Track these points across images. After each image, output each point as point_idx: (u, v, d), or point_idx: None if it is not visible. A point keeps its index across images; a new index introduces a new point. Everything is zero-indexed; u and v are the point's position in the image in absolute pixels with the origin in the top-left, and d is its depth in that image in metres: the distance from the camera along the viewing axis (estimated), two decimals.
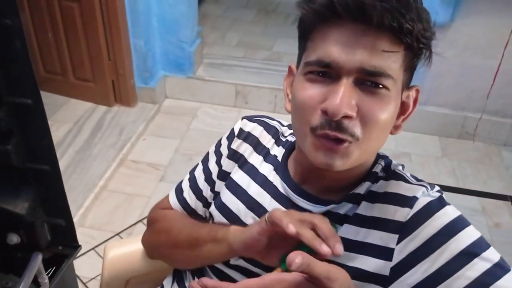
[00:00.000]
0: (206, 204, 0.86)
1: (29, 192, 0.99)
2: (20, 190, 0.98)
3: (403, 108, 0.68)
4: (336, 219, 0.70)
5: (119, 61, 2.58)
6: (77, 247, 1.11)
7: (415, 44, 0.59)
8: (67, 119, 2.60)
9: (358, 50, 0.58)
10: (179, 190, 0.91)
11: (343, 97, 0.58)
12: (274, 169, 0.79)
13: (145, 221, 2.01)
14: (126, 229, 1.99)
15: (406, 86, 0.66)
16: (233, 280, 0.76)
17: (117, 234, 1.96)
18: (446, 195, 0.69)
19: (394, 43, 0.58)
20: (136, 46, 2.60)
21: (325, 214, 0.71)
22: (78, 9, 2.42)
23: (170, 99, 2.92)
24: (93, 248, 1.88)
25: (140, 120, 2.66)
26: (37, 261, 0.96)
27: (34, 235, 1.03)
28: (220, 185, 0.84)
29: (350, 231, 0.69)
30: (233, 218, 0.79)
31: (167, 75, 2.85)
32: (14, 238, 1.00)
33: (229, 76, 2.89)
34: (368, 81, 0.59)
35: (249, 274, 0.76)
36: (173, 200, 0.90)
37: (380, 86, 0.60)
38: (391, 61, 0.59)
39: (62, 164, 2.24)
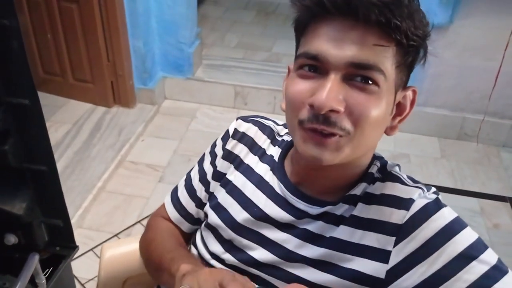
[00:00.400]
0: (200, 205, 0.87)
1: (27, 193, 0.99)
2: (17, 191, 0.98)
3: (400, 109, 0.68)
4: (333, 220, 0.70)
5: (118, 62, 2.58)
6: (74, 247, 1.11)
7: (404, 40, 0.59)
8: (66, 120, 2.60)
9: (347, 45, 0.58)
10: (174, 190, 0.92)
11: (329, 91, 0.58)
12: (270, 169, 0.79)
13: (143, 222, 2.01)
14: (125, 230, 1.99)
15: (402, 86, 0.65)
16: None
17: (116, 235, 1.96)
18: (445, 196, 0.69)
19: (383, 38, 0.59)
20: (135, 47, 2.60)
21: (322, 215, 0.71)
22: (77, 10, 2.42)
23: (169, 100, 2.92)
24: (91, 249, 1.88)
25: (139, 121, 2.66)
26: (34, 261, 0.96)
27: (32, 235, 1.02)
28: (215, 186, 0.84)
29: (346, 232, 0.69)
30: (226, 218, 0.79)
31: (166, 76, 2.85)
32: (11, 239, 1.00)
33: (228, 77, 2.90)
34: (358, 76, 0.59)
35: (244, 274, 0.75)
36: (167, 200, 0.92)
37: (370, 82, 0.59)
38: (382, 56, 0.59)
39: (60, 165, 2.24)
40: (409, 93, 0.68)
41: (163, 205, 0.92)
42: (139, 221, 2.03)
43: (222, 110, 2.87)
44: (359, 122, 0.60)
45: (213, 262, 0.80)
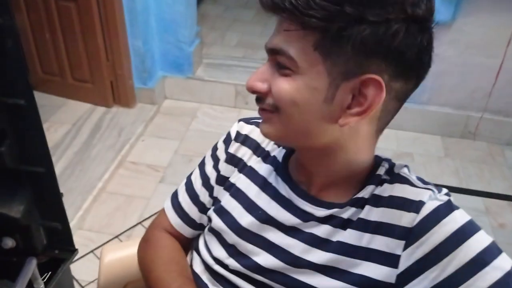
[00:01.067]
0: (203, 210, 0.85)
1: (24, 195, 0.97)
2: (15, 193, 0.96)
3: (359, 101, 0.60)
4: (340, 224, 0.69)
5: (117, 61, 2.56)
6: (73, 251, 1.09)
7: (302, 19, 0.56)
8: (66, 120, 2.58)
9: (273, 35, 0.62)
10: (174, 195, 0.89)
11: (255, 74, 0.64)
12: (274, 171, 0.77)
13: (144, 223, 1.99)
14: (125, 231, 1.97)
15: (346, 74, 0.59)
16: (233, 284, 0.74)
17: (116, 236, 1.93)
18: None
19: (293, 23, 0.58)
20: (135, 46, 2.57)
21: (329, 218, 0.69)
22: (75, 9, 2.39)
23: (169, 99, 2.90)
24: (91, 251, 1.85)
25: (139, 121, 2.63)
26: (32, 266, 0.94)
27: (30, 239, 1.01)
28: (218, 190, 0.82)
29: (354, 236, 0.68)
30: (230, 222, 0.77)
31: (166, 76, 2.83)
32: (9, 242, 0.99)
33: (229, 77, 2.87)
34: (275, 61, 0.62)
35: (248, 279, 0.74)
36: (167, 205, 0.89)
37: (284, 66, 0.61)
38: (289, 41, 0.59)
39: (60, 166, 2.22)
40: (371, 86, 0.59)
41: (163, 212, 0.89)
42: (140, 222, 2.01)
43: (223, 109, 2.84)
44: (277, 101, 0.62)
45: (217, 267, 0.78)
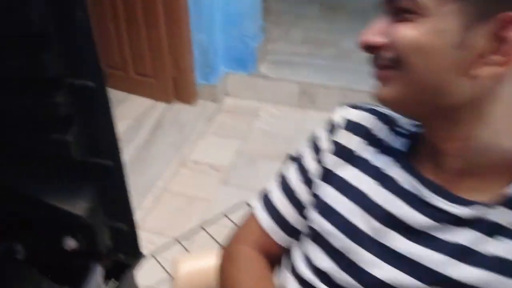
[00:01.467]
0: (300, 209, 0.72)
1: (90, 191, 0.88)
2: (79, 188, 0.87)
3: (497, 48, 0.50)
4: (486, 229, 0.54)
5: (180, 56, 2.48)
6: (140, 255, 0.99)
7: None
8: (127, 116, 2.52)
9: None
10: (265, 194, 0.76)
11: (368, 29, 0.57)
12: (393, 162, 0.63)
13: (206, 226, 1.88)
14: (186, 235, 1.86)
15: (481, 14, 0.50)
16: None
17: (177, 240, 1.83)
18: None
19: None
20: (198, 39, 2.48)
21: (472, 220, 0.54)
22: (140, 0, 2.33)
23: (231, 97, 2.79)
24: (152, 254, 1.76)
25: (201, 118, 2.54)
26: (97, 275, 0.83)
27: (93, 240, 0.91)
28: (320, 185, 0.69)
29: (507, 248, 0.52)
30: (338, 221, 0.64)
31: (228, 72, 2.72)
32: (71, 243, 0.89)
33: (294, 74, 2.73)
34: (394, 9, 0.54)
35: None
36: (258, 205, 0.76)
37: (407, 9, 0.53)
38: None
39: None
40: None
41: (250, 219, 0.77)
42: (201, 226, 1.90)
43: (287, 109, 2.70)
44: (399, 51, 0.54)
45: (318, 284, 0.64)
